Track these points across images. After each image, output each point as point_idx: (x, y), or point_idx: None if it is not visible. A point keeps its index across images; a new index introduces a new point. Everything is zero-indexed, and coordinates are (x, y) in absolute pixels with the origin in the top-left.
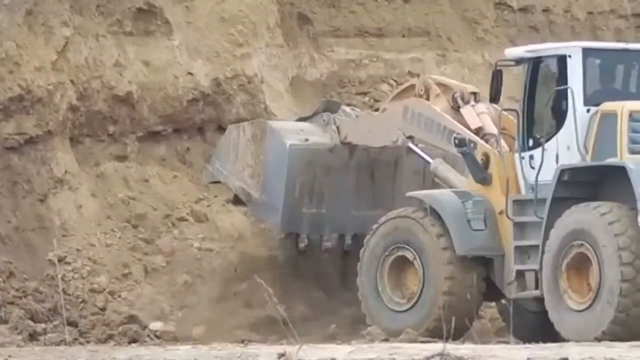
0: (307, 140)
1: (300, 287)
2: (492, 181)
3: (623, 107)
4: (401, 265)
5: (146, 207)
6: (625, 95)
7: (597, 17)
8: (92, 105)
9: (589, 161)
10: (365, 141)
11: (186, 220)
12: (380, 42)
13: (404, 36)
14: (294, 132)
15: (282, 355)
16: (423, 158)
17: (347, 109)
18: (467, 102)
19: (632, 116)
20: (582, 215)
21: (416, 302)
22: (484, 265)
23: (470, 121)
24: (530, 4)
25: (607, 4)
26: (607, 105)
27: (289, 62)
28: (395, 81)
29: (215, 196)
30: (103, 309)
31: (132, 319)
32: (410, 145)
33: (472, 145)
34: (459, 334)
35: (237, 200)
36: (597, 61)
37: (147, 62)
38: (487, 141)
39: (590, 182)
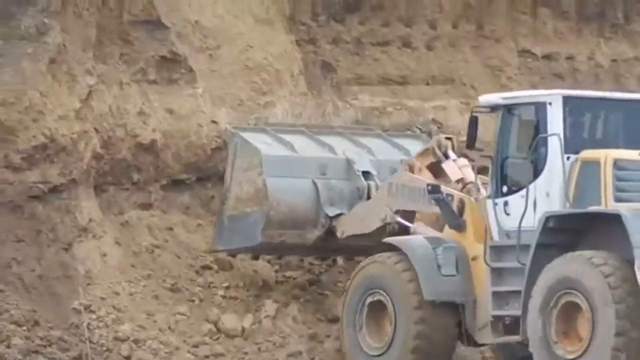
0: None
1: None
2: (466, 228)
3: (607, 156)
4: (378, 310)
5: (170, 255)
6: (603, 144)
7: (620, 64)
8: (116, 153)
9: (570, 209)
10: (360, 230)
11: (211, 268)
12: (404, 90)
13: (427, 84)
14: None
15: None
16: (403, 225)
17: None
18: (444, 151)
19: (616, 164)
20: (574, 265)
21: (390, 346)
22: (455, 311)
23: (450, 174)
24: (554, 51)
25: (631, 51)
26: (588, 153)
27: (312, 110)
28: (419, 129)
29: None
30: (128, 357)
31: None
32: (397, 218)
33: (448, 197)
34: None
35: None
36: (577, 109)
37: (171, 110)
38: (469, 191)
39: (575, 230)
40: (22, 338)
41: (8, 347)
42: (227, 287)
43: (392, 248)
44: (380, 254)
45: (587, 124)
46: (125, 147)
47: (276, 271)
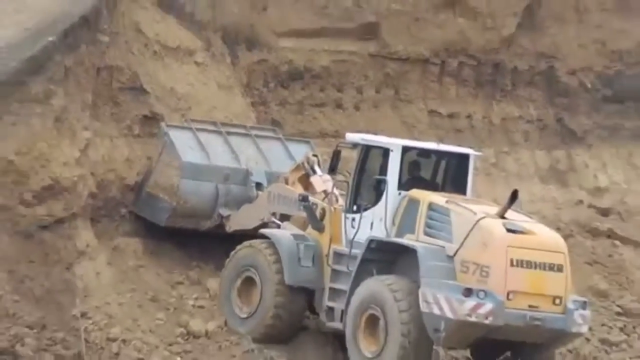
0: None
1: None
2: (324, 230)
3: (425, 197)
4: (249, 284)
5: (151, 273)
6: (431, 186)
7: (509, 121)
8: (107, 192)
9: (394, 232)
10: (244, 226)
11: (183, 283)
12: (337, 142)
13: None
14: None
15: None
16: (276, 223)
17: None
18: (312, 166)
19: (430, 206)
20: (374, 285)
21: (255, 312)
22: (307, 293)
23: (317, 186)
24: (456, 111)
25: (517, 111)
26: (414, 193)
27: None
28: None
29: (206, 264)
30: (117, 354)
31: None
32: (273, 219)
33: (313, 205)
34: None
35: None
36: (413, 156)
37: (151, 158)
38: (329, 200)
39: (391, 251)
40: (33, 339)
41: (22, 345)
42: (196, 298)
43: (266, 237)
44: (256, 241)
45: (419, 169)
46: (115, 187)
47: None
